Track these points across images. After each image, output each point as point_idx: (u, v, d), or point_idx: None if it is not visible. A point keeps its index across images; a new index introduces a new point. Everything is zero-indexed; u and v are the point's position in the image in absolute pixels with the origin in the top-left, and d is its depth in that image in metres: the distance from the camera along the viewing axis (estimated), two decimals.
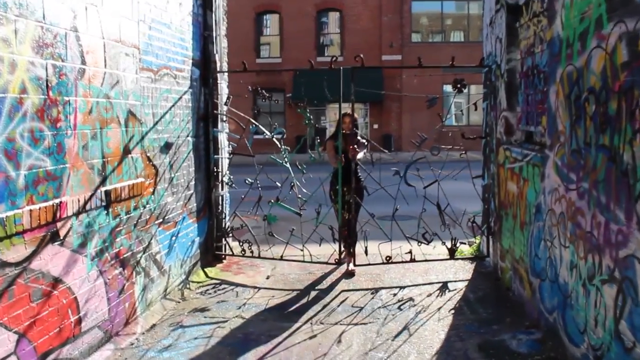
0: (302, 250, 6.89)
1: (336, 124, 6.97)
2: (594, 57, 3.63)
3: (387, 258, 6.71)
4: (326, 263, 6.91)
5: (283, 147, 7.04)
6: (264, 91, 7.07)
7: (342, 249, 6.88)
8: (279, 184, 7.07)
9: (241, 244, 7.18)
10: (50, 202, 3.81)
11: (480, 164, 7.22)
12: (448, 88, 27.34)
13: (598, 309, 3.60)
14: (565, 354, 4.19)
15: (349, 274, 6.72)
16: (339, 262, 6.87)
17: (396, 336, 4.88)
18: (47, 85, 3.80)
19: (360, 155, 6.75)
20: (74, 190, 4.12)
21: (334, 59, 6.96)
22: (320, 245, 6.85)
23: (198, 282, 6.47)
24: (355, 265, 6.83)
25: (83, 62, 4.24)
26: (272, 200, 7.00)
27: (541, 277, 4.82)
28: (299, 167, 6.95)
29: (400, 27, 28.03)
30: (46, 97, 3.80)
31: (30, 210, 3.60)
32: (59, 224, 3.93)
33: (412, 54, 28.22)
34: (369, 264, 6.81)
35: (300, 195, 7.01)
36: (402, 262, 6.81)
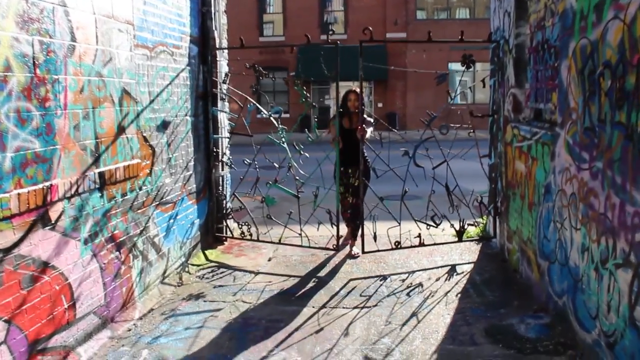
0: (300, 234, 6.67)
1: (340, 102, 6.63)
2: (611, 28, 3.42)
3: (396, 243, 6.48)
4: (324, 248, 6.71)
5: (280, 126, 6.77)
6: (261, 68, 6.82)
7: (343, 232, 6.72)
8: (277, 165, 6.82)
9: (240, 226, 7.04)
10: (40, 185, 3.66)
11: (487, 143, 7.02)
12: (453, 66, 26.99)
13: (611, 294, 3.45)
14: (575, 339, 4.05)
15: (352, 257, 6.58)
16: (337, 249, 6.66)
17: (402, 322, 4.75)
18: (33, 63, 3.62)
19: (368, 135, 6.51)
20: (66, 172, 3.96)
21: (331, 33, 6.61)
22: (318, 229, 6.63)
23: (198, 265, 6.34)
24: (364, 252, 6.55)
25: (73, 39, 4.05)
26: (270, 182, 6.80)
27: (550, 260, 4.67)
28: (296, 147, 6.70)
29: (405, 4, 27.57)
30: (33, 75, 3.61)
31: (19, 194, 3.44)
32: (49, 208, 3.78)
33: (417, 32, 27.79)
34: (378, 250, 6.55)
35: (297, 177, 6.76)
36: (411, 247, 6.58)
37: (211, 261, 6.52)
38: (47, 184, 3.74)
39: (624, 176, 3.26)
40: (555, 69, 4.78)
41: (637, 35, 3.06)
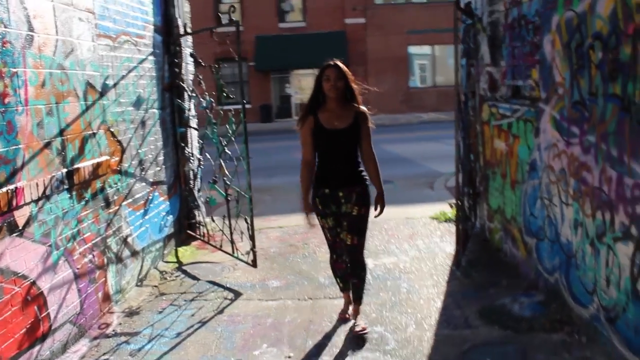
0: (231, 240, 5.98)
1: (314, 83, 4.10)
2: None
3: None
4: (245, 262, 5.82)
5: (212, 120, 6.02)
6: (195, 56, 6.47)
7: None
8: (213, 162, 6.19)
9: (198, 225, 6.81)
10: (4, 189, 3.37)
11: (451, 125, 6.90)
12: (412, 50, 27.07)
13: (610, 269, 3.40)
14: (571, 315, 4.01)
15: (359, 335, 4.12)
16: (254, 264, 5.71)
17: (393, 309, 4.64)
18: None
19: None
20: (31, 173, 3.67)
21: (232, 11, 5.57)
22: (234, 250, 5.95)
23: (174, 263, 6.09)
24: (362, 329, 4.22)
25: (30, 28, 3.73)
26: (210, 181, 6.23)
27: (538, 237, 4.63)
28: (221, 144, 5.88)
29: None
30: None
31: None
32: (16, 213, 3.48)
33: (376, 17, 27.74)
34: None
35: (225, 179, 5.96)
36: None
37: (186, 259, 6.26)
38: (12, 187, 3.44)
39: (620, 149, 3.20)
40: (535, 45, 4.71)
41: (632, 3, 2.98)
